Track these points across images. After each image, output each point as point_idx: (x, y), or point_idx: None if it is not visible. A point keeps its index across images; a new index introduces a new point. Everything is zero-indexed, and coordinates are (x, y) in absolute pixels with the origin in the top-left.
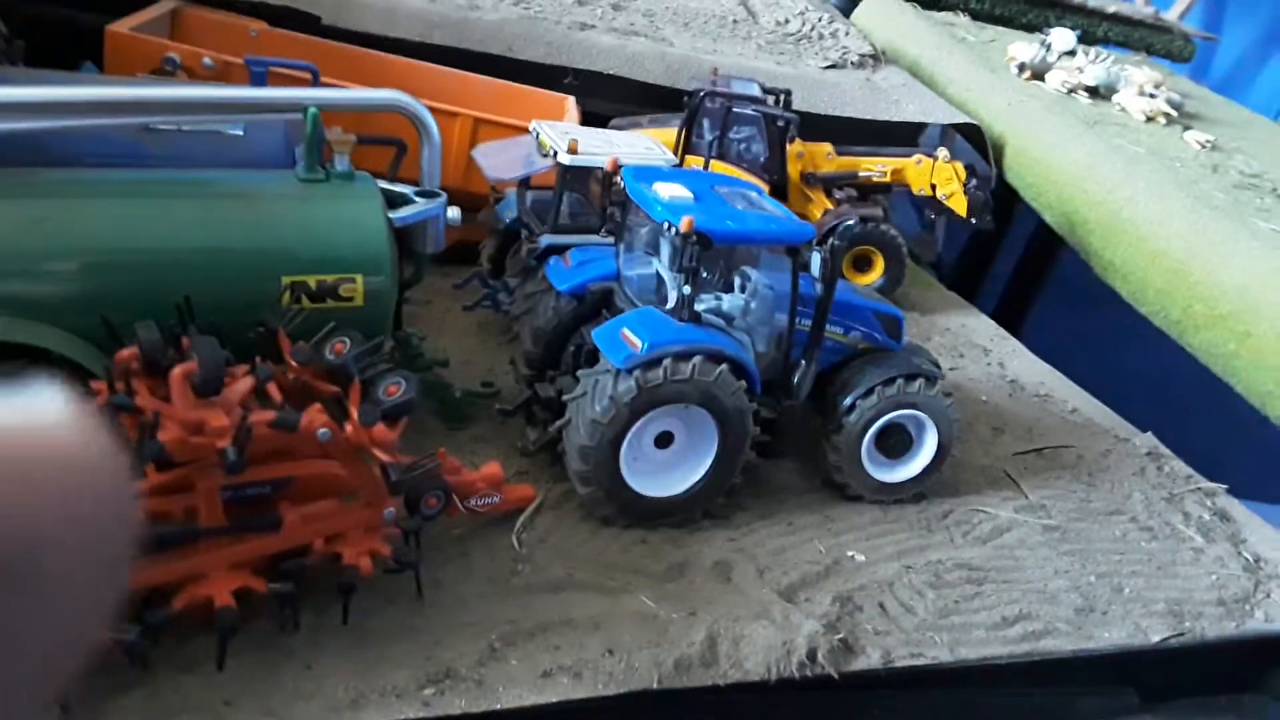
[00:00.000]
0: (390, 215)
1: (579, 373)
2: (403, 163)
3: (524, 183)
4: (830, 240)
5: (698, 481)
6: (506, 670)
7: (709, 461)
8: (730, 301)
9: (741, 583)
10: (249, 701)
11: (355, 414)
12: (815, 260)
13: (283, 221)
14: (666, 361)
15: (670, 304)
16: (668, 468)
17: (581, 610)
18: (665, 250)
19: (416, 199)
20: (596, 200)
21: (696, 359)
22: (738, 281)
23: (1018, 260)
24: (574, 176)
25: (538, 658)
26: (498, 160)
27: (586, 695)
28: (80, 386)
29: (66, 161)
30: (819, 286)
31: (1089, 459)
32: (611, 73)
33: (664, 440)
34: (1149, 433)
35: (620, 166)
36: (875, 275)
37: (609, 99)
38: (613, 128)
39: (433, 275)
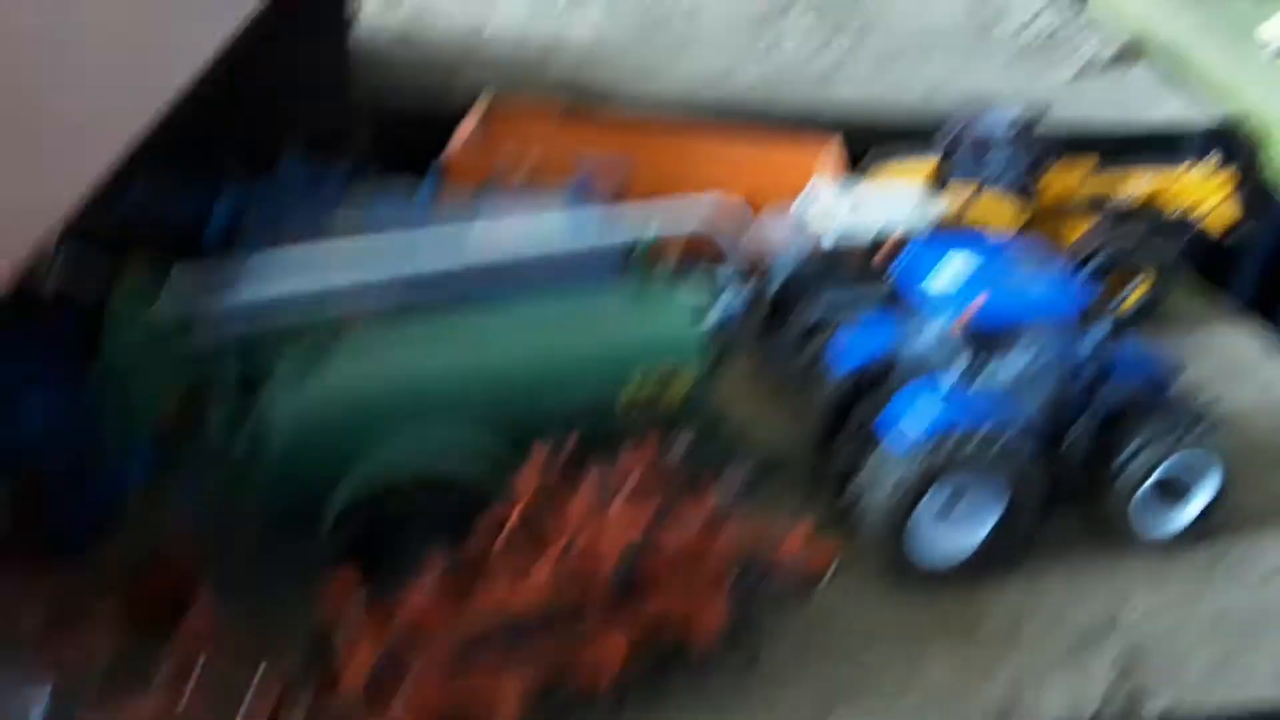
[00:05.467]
0: (706, 312)
1: (869, 449)
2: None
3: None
4: (1090, 264)
5: (984, 542)
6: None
7: (994, 523)
8: (1008, 367)
9: (1033, 635)
10: None
11: (708, 513)
12: (1098, 334)
13: (620, 334)
14: (953, 437)
15: (951, 378)
16: (956, 531)
17: (891, 662)
18: (941, 323)
19: (722, 293)
20: (859, 260)
21: (983, 432)
22: (1014, 348)
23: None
24: (841, 244)
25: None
26: (772, 237)
27: None
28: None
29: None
30: (1099, 357)
31: None
32: (868, 110)
33: (951, 504)
34: None
35: (897, 248)
36: (1136, 295)
37: (862, 136)
38: (867, 165)
39: None
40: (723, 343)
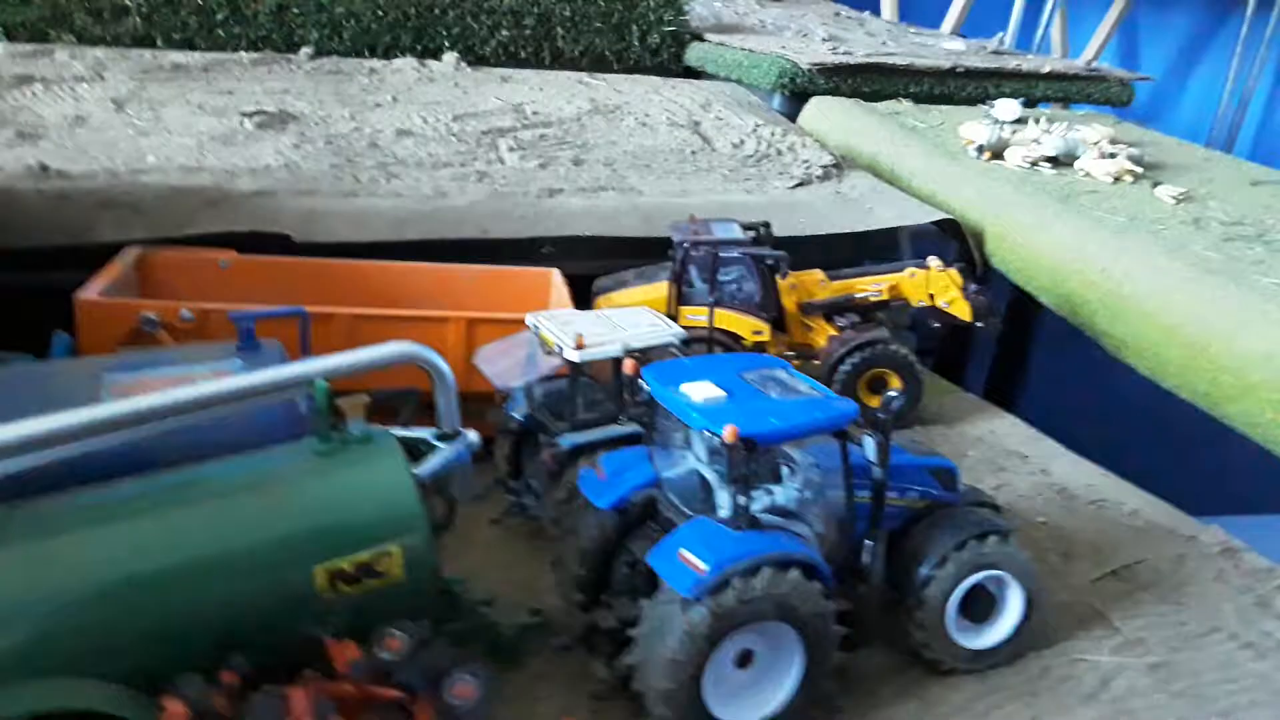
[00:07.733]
0: (415, 470)
1: (643, 602)
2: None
3: (532, 382)
4: (841, 369)
5: (788, 698)
6: None
7: (795, 674)
8: (783, 493)
9: None
10: None
11: None
12: (870, 446)
13: (304, 504)
14: (735, 581)
15: (724, 511)
16: (753, 688)
17: None
18: (702, 448)
19: (438, 444)
20: (605, 380)
21: (766, 571)
22: (784, 469)
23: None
24: (585, 368)
25: None
26: (502, 366)
27: None
28: None
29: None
30: (876, 470)
31: (1166, 571)
32: (589, 234)
33: (745, 657)
34: (1214, 526)
35: (640, 369)
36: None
37: (589, 258)
38: (597, 289)
39: None
40: (449, 496)
